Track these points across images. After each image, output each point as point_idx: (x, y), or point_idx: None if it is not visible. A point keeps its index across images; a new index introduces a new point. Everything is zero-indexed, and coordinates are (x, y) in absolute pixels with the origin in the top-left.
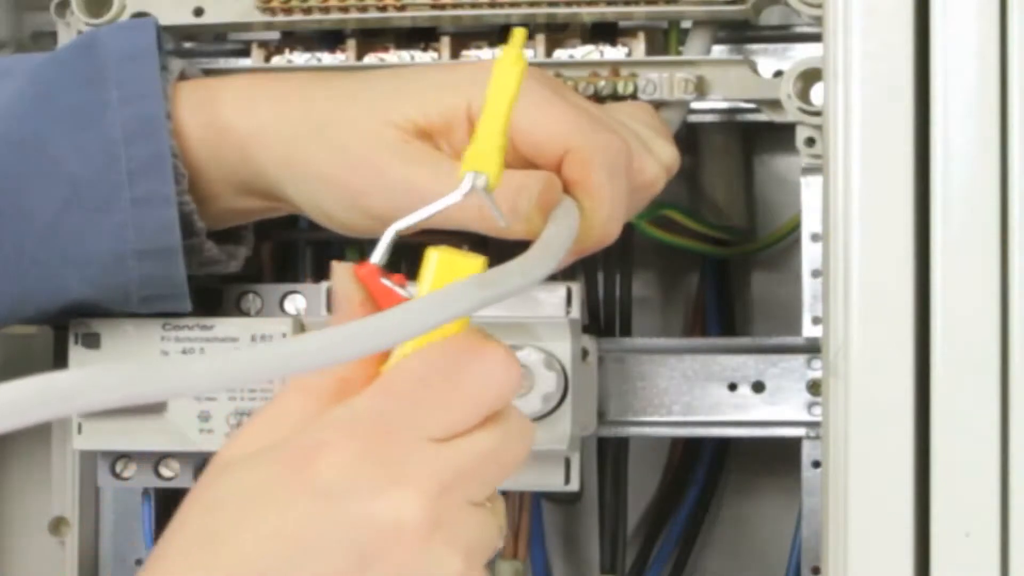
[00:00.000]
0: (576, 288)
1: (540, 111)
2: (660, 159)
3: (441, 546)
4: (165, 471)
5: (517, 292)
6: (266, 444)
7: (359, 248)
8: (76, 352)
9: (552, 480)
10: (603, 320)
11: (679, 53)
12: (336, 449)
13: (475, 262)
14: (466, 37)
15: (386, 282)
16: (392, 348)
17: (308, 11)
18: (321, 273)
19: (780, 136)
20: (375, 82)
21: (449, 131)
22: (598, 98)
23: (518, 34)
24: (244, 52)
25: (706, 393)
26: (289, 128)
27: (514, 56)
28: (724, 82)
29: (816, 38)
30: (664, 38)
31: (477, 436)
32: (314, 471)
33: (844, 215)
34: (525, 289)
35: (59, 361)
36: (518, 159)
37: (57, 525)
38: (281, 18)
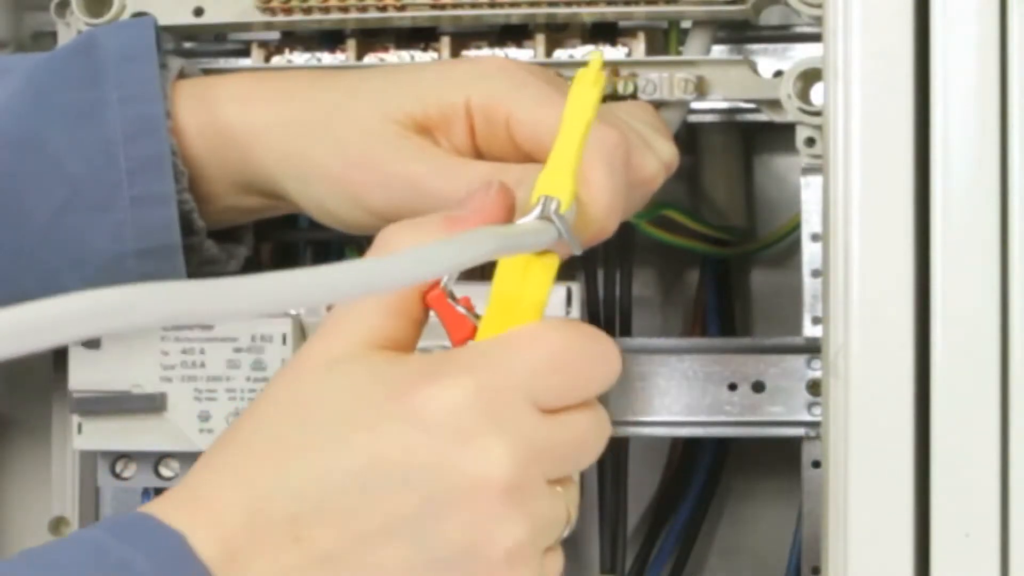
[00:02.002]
0: (576, 288)
1: (540, 107)
2: (660, 156)
3: (513, 510)
4: (165, 471)
5: (530, 250)
6: (357, 344)
7: (359, 247)
8: (76, 352)
9: None
10: (603, 320)
11: (679, 53)
12: (449, 385)
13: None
14: (466, 37)
15: (454, 304)
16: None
17: (308, 11)
18: None
19: (780, 136)
20: (374, 79)
21: (448, 126)
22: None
23: (596, 57)
24: (244, 52)
25: (706, 393)
26: (289, 125)
27: (593, 78)
28: (724, 82)
29: (816, 38)
30: (664, 38)
31: (575, 416)
32: (420, 401)
33: (844, 215)
34: (535, 248)
35: (59, 360)
36: (519, 153)
37: (57, 525)
38: (281, 18)
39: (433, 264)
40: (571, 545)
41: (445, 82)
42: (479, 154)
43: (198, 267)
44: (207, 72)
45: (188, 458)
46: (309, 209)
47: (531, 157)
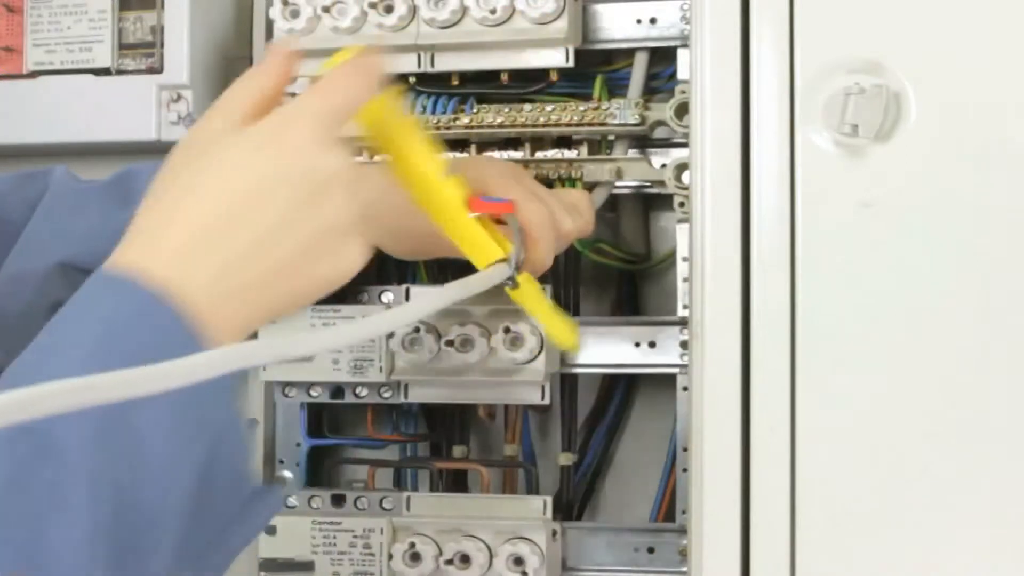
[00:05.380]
0: (548, 288)
1: (503, 182)
2: (578, 221)
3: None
4: (313, 392)
5: (489, 285)
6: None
7: (425, 266)
8: (263, 329)
9: (534, 397)
10: (562, 306)
11: (608, 153)
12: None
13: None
14: (484, 144)
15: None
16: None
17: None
18: (401, 279)
19: (665, 201)
20: None
21: None
22: (560, 180)
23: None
24: None
25: (621, 349)
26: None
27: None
28: (633, 171)
29: (685, 145)
30: (599, 145)
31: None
32: (289, 136)
33: (700, 247)
34: (493, 283)
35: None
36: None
37: (250, 423)
38: None
39: (433, 304)
40: (544, 436)
41: (457, 168)
42: None
43: None
44: None
45: (326, 385)
46: (383, 248)
47: (498, 218)
